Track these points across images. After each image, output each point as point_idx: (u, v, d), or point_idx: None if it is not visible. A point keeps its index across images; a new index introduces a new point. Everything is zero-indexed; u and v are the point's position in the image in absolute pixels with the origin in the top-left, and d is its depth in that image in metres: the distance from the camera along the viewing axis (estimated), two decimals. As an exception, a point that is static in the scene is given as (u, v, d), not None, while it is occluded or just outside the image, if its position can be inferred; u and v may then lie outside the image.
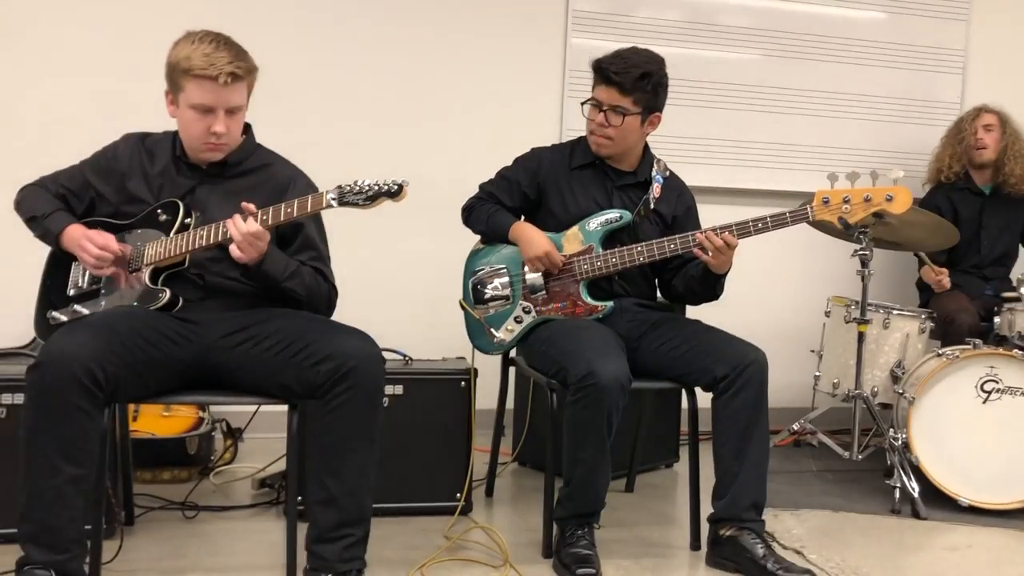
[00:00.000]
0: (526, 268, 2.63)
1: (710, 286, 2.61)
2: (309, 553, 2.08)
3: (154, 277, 2.19)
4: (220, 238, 2.12)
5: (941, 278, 3.53)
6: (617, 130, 2.57)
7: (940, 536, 2.80)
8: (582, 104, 2.63)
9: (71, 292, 2.27)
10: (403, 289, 3.63)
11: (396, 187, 1.99)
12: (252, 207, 2.09)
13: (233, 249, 2.07)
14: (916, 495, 2.93)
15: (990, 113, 3.70)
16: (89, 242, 2.14)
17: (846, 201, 2.46)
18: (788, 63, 3.93)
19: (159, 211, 2.21)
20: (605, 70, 2.53)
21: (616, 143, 2.61)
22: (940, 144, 3.82)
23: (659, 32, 3.76)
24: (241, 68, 2.10)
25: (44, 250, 2.32)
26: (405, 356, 2.77)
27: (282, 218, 2.08)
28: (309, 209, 2.05)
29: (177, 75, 2.12)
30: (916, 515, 2.91)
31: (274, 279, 2.18)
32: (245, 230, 2.05)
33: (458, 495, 2.70)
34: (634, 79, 2.51)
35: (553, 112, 3.76)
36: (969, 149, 3.69)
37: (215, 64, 2.07)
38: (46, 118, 3.32)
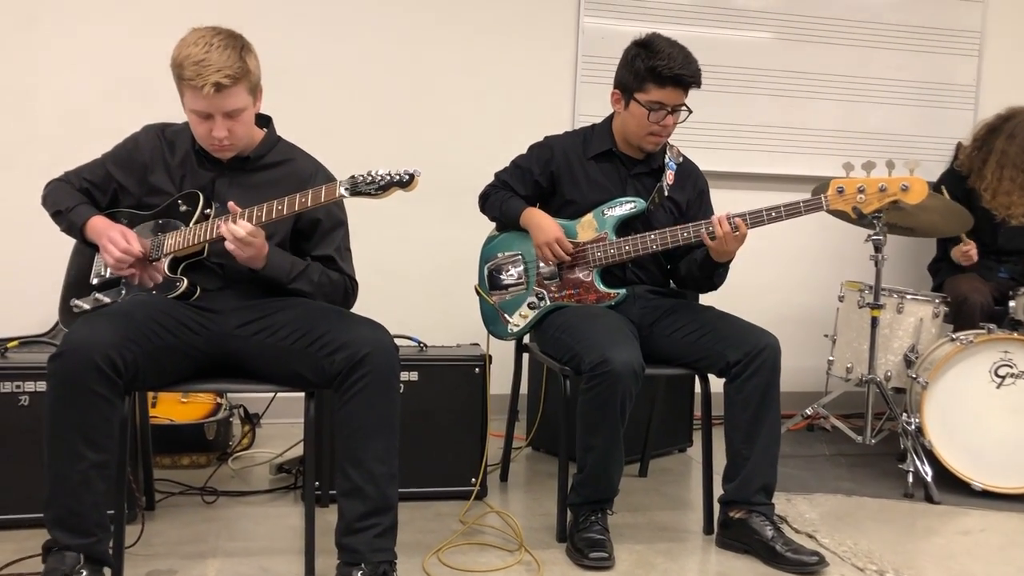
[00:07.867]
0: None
1: (708, 274, 2.61)
2: (339, 548, 2.06)
3: (174, 266, 2.21)
4: (214, 235, 2.14)
5: (968, 249, 3.47)
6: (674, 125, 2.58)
7: (953, 520, 2.81)
8: (627, 103, 2.55)
9: (94, 281, 2.30)
10: (418, 276, 3.65)
11: (408, 176, 2.00)
12: (235, 207, 2.10)
13: (228, 246, 2.09)
14: (929, 479, 2.94)
15: None
16: (111, 244, 2.15)
17: (860, 191, 2.46)
18: (801, 46, 3.91)
19: (180, 201, 2.23)
20: (680, 76, 2.46)
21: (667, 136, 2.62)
22: (991, 161, 3.60)
23: (671, 14, 3.75)
24: (228, 77, 2.06)
25: (64, 241, 2.34)
26: (420, 343, 2.79)
27: (297, 209, 2.08)
28: (323, 200, 2.06)
29: (175, 79, 2.12)
30: (929, 499, 2.92)
31: (279, 282, 2.22)
32: (240, 233, 2.06)
33: (473, 480, 2.73)
34: (700, 76, 2.52)
35: (566, 96, 3.74)
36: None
37: (201, 75, 2.04)
38: (64, 108, 3.33)
